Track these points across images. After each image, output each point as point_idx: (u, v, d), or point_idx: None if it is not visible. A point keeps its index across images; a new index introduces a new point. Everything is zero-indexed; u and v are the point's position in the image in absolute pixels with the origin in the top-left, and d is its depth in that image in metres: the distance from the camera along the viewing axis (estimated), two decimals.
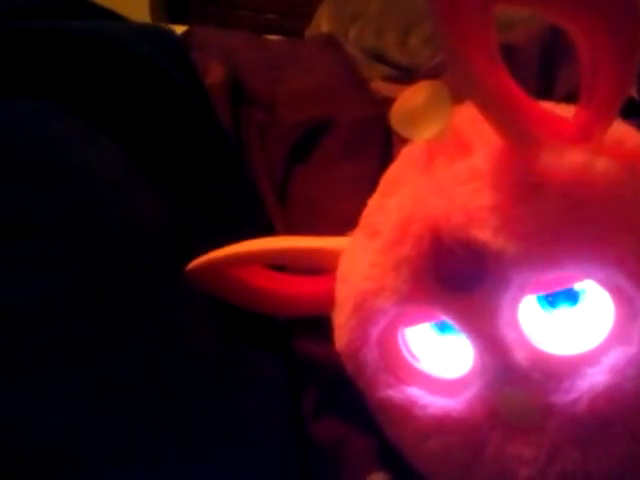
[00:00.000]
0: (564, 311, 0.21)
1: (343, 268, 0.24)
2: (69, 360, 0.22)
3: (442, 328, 0.23)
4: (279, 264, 0.30)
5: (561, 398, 0.20)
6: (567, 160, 0.19)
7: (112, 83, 0.30)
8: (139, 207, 0.28)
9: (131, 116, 0.30)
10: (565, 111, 0.20)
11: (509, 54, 0.38)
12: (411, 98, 0.20)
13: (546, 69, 0.38)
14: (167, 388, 0.25)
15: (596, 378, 0.20)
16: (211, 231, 0.31)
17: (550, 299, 0.21)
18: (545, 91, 0.37)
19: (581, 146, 0.19)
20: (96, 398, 0.22)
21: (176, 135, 0.32)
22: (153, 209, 0.29)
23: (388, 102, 0.21)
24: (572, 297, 0.21)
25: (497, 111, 0.18)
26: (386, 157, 0.36)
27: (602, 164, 0.19)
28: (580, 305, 0.21)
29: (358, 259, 0.23)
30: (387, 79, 0.52)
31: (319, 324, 0.26)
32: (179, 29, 0.50)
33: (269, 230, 0.34)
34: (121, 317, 0.24)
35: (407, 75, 0.56)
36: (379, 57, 0.60)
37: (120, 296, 0.25)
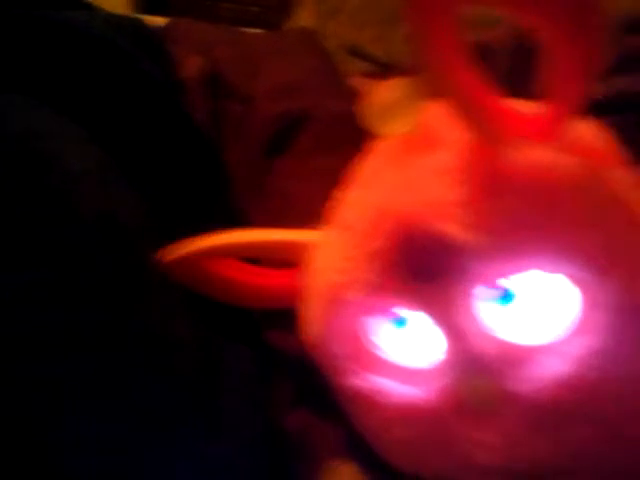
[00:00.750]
0: (516, 308, 0.21)
1: (314, 261, 0.25)
2: (44, 353, 0.22)
3: (398, 322, 0.24)
4: (253, 256, 0.30)
5: (521, 386, 0.21)
6: (532, 156, 0.19)
7: (84, 75, 0.30)
8: (113, 199, 0.28)
9: (103, 109, 0.30)
10: (532, 109, 0.21)
11: (485, 53, 0.39)
12: (383, 94, 0.21)
13: (518, 69, 0.38)
14: (142, 378, 0.25)
15: (557, 367, 0.20)
16: (185, 223, 0.31)
17: (501, 298, 0.21)
18: (517, 91, 0.38)
19: (546, 143, 0.19)
20: (73, 389, 0.23)
21: (148, 128, 0.32)
22: (127, 201, 0.29)
23: (365, 98, 0.22)
24: (518, 297, 0.21)
25: (465, 108, 0.19)
26: (361, 152, 0.36)
27: (566, 161, 0.19)
28: (527, 303, 0.21)
29: (330, 252, 0.23)
30: (366, 75, 0.52)
31: (291, 316, 0.27)
32: (159, 22, 0.49)
33: (244, 223, 0.35)
34: (95, 308, 0.24)
35: (386, 71, 0.57)
36: (358, 53, 0.60)
37: (94, 287, 0.25)
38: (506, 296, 0.22)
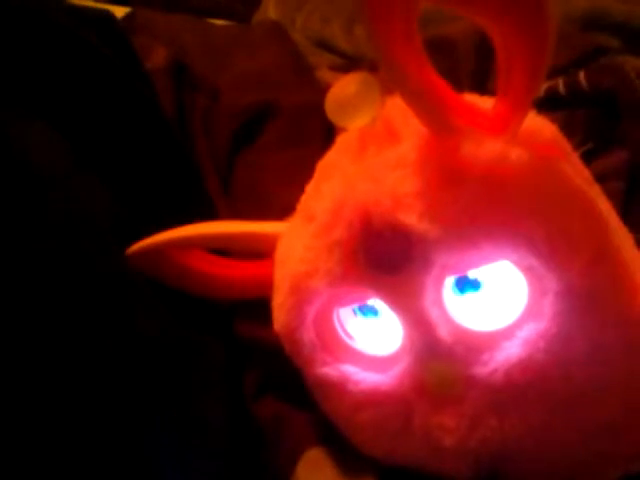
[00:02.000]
0: (472, 296, 0.22)
1: (280, 251, 0.25)
2: (6, 356, 0.22)
3: (364, 311, 0.25)
4: (220, 248, 0.31)
5: (480, 370, 0.22)
6: (485, 149, 0.20)
7: (48, 65, 0.30)
8: (77, 194, 0.28)
9: (69, 100, 0.30)
10: (487, 103, 0.22)
11: (446, 47, 0.40)
12: (343, 88, 0.22)
13: (481, 63, 0.39)
14: (108, 372, 0.25)
15: (511, 351, 0.21)
16: (154, 215, 0.31)
17: (459, 286, 0.22)
18: (480, 84, 0.39)
19: (498, 136, 0.20)
20: (38, 383, 0.23)
21: (115, 119, 0.32)
22: (92, 195, 0.29)
23: None
24: (476, 285, 0.22)
25: (420, 103, 0.19)
26: (328, 144, 0.37)
27: (516, 153, 0.20)
28: (483, 291, 0.22)
29: (294, 242, 0.24)
30: (333, 68, 0.53)
31: (260, 307, 0.27)
32: (123, 11, 0.49)
33: (212, 215, 0.35)
34: (60, 304, 0.24)
35: (353, 64, 0.57)
36: (325, 45, 0.60)
37: (59, 283, 0.25)
38: (465, 284, 0.23)
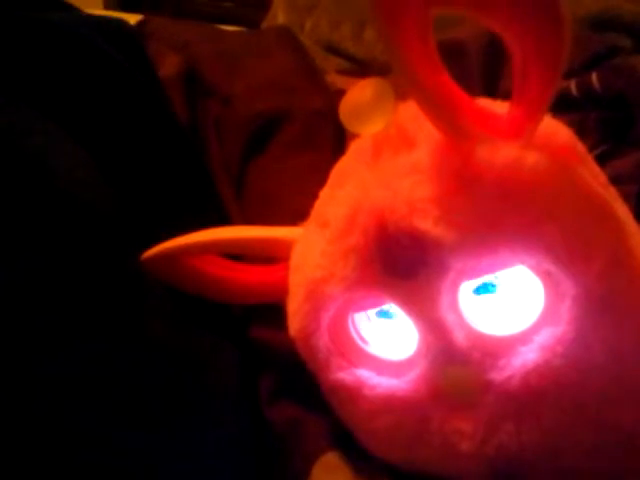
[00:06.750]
0: (488, 300, 0.22)
1: (296, 257, 0.25)
2: (19, 353, 0.22)
3: (379, 316, 0.25)
4: (234, 253, 0.31)
5: (497, 375, 0.22)
6: (500, 154, 0.20)
7: (61, 71, 0.30)
8: (91, 198, 0.28)
9: (82, 105, 0.30)
10: (502, 108, 0.22)
11: (456, 51, 0.40)
12: (357, 94, 0.22)
13: (491, 66, 0.39)
14: (116, 372, 0.25)
15: (528, 356, 0.21)
16: (167, 221, 0.31)
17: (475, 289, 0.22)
18: (490, 87, 0.39)
19: (514, 141, 0.20)
20: (53, 383, 0.23)
21: (129, 125, 0.32)
22: (106, 200, 0.29)
23: (342, 95, 0.22)
24: (489, 288, 0.22)
25: (435, 108, 0.19)
26: (340, 149, 0.37)
27: (532, 158, 0.20)
28: (499, 295, 0.22)
29: (310, 248, 0.24)
30: (342, 72, 0.53)
31: (274, 312, 0.27)
32: (133, 19, 0.49)
33: (225, 220, 0.35)
34: (71, 304, 0.24)
35: (362, 68, 0.57)
36: (334, 49, 0.61)
37: (70, 284, 0.25)
38: (482, 288, 0.23)
